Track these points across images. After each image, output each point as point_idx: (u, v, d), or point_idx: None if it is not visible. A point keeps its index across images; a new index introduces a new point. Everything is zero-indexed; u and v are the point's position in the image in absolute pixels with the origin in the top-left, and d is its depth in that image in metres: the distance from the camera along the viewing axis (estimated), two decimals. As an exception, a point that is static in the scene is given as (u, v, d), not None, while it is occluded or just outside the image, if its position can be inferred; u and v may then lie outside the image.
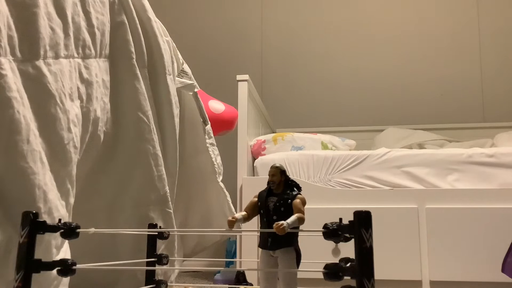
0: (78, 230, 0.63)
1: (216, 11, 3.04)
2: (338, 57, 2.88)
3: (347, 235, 0.54)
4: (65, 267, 0.60)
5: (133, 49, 1.01)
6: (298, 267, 0.66)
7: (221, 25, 3.01)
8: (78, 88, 0.82)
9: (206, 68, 2.88)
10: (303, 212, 0.63)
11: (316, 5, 2.95)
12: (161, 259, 0.84)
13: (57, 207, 0.72)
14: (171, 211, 1.06)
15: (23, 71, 0.70)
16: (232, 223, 0.63)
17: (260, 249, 0.68)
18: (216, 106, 1.69)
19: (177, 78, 1.23)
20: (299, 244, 0.66)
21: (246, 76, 1.97)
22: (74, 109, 0.79)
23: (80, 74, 0.84)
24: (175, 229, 1.10)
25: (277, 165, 0.68)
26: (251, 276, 1.72)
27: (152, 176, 1.01)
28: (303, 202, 0.65)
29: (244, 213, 0.67)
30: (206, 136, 1.33)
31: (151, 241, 0.85)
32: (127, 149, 0.99)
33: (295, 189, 0.67)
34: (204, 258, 2.30)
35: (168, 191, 1.05)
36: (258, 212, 0.68)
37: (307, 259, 0.65)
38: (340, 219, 0.55)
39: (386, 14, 2.86)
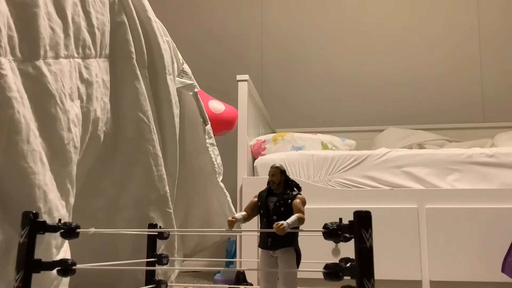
0: (78, 230, 0.63)
1: (216, 11, 3.04)
2: (338, 57, 2.88)
3: (347, 235, 0.54)
4: (65, 267, 0.60)
5: (133, 49, 1.01)
6: (298, 267, 0.66)
7: (221, 25, 3.01)
8: (78, 88, 0.82)
9: (206, 68, 2.88)
10: (303, 212, 0.63)
11: (316, 5, 2.95)
12: (161, 259, 0.84)
13: (57, 207, 0.72)
14: (171, 211, 1.06)
15: (23, 71, 0.70)
16: (232, 223, 0.63)
17: (260, 249, 0.68)
18: (216, 106, 1.69)
19: (177, 78, 1.22)
20: (299, 244, 0.66)
21: (246, 76, 1.97)
22: (74, 109, 0.79)
23: (80, 74, 0.83)
24: (175, 229, 1.10)
25: (277, 165, 0.68)
26: (251, 276, 1.72)
27: (152, 176, 1.01)
28: (303, 202, 0.65)
29: (244, 213, 0.67)
30: (206, 136, 1.32)
31: (151, 241, 0.85)
32: (127, 149, 0.99)
33: (295, 189, 0.67)
34: (204, 258, 2.30)
35: (168, 191, 1.05)
36: (258, 212, 0.68)
37: (307, 259, 0.65)
38: (340, 219, 0.55)
39: (386, 15, 2.86)
